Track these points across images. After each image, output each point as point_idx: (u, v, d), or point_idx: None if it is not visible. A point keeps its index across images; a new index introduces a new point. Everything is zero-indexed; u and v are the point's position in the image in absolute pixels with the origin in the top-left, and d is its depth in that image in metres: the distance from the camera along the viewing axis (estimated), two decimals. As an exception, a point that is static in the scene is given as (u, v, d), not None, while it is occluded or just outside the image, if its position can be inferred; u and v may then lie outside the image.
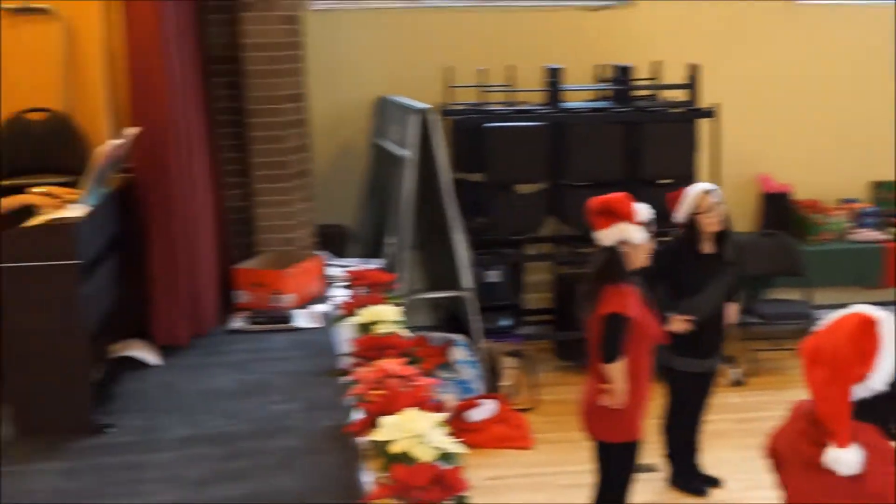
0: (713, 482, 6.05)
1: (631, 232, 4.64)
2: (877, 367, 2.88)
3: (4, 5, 6.18)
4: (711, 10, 8.67)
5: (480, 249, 7.64)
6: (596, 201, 4.76)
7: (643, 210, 4.72)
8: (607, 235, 4.68)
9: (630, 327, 4.62)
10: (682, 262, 5.69)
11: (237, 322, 6.01)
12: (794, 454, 3.06)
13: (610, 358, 4.61)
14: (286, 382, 5.10)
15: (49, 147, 6.13)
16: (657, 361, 5.84)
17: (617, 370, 4.61)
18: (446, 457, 3.58)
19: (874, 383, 2.89)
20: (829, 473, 2.93)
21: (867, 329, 2.90)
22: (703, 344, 5.71)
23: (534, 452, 6.52)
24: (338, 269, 6.90)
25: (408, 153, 6.89)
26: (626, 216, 4.66)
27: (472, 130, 7.54)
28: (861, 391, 2.90)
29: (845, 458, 2.86)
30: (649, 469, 6.00)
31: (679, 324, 5.55)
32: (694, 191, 5.71)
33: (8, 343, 4.42)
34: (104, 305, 4.98)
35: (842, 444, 2.86)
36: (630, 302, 4.65)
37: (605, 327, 4.62)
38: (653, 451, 6.13)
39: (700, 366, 5.78)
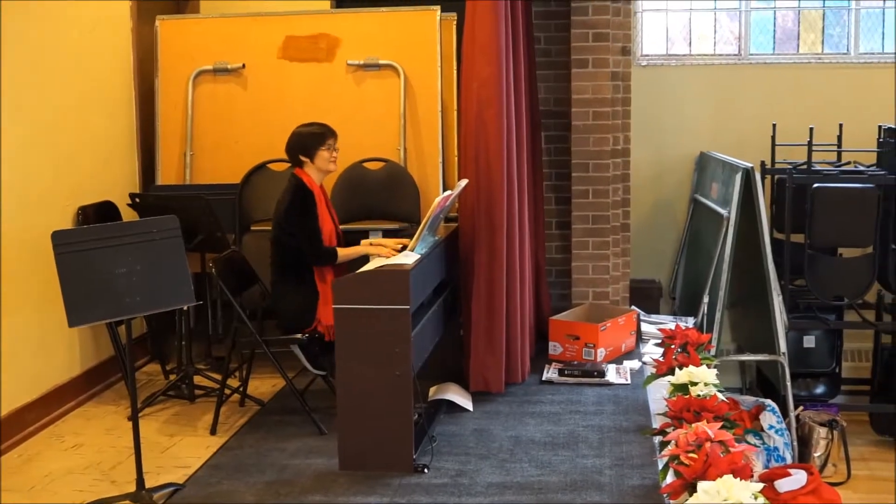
0: None
1: None
2: None
3: (350, 60, 6.65)
4: None
5: (798, 312, 7.43)
6: None
7: None
8: None
9: None
10: None
11: (550, 373, 6.14)
12: None
13: None
14: (597, 437, 5.16)
15: (384, 194, 6.51)
16: None
17: None
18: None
19: None
20: None
21: None
22: None
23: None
24: (651, 325, 6.92)
25: (729, 211, 6.81)
26: None
27: (796, 189, 7.36)
28: None
29: None
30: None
31: None
32: None
33: (341, 380, 4.73)
34: (427, 349, 5.23)
35: None
36: None
37: None
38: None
39: None
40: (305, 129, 5.50)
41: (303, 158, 5.44)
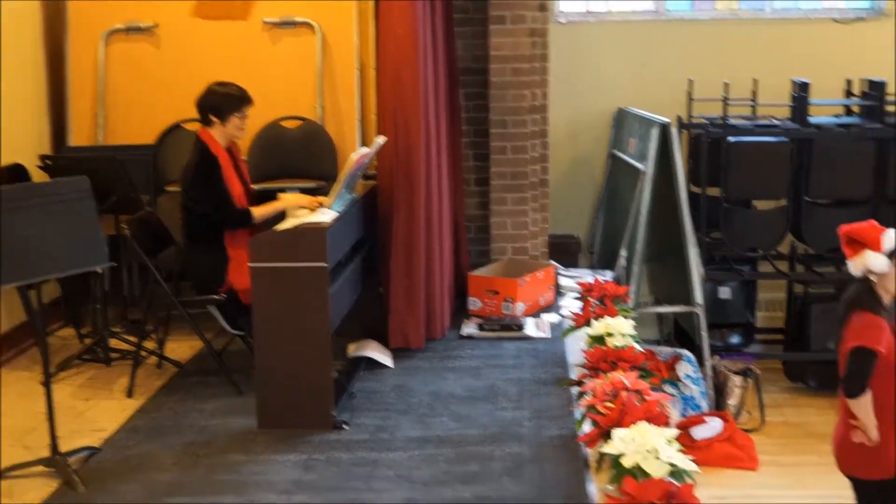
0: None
1: (872, 260, 4.48)
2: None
3: (266, 18, 6.57)
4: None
5: (713, 265, 7.55)
6: (843, 230, 4.63)
7: (891, 237, 4.55)
8: (854, 265, 4.54)
9: (877, 362, 4.44)
10: None
11: (469, 328, 6.17)
12: None
13: (853, 393, 4.46)
14: (515, 390, 5.21)
15: (301, 153, 6.47)
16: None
17: (862, 406, 4.46)
18: (677, 473, 3.61)
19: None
20: None
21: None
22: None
23: (759, 474, 6.38)
24: (569, 279, 6.98)
25: (646, 166, 6.88)
26: (870, 244, 4.51)
27: (712, 144, 7.45)
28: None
29: None
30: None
31: None
32: None
33: (259, 339, 4.71)
34: (345, 307, 5.22)
35: None
36: (876, 333, 4.47)
37: (851, 361, 4.47)
38: None
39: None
40: (223, 90, 5.38)
41: (213, 118, 5.33)
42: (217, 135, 5.34)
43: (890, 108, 7.57)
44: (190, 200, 5.31)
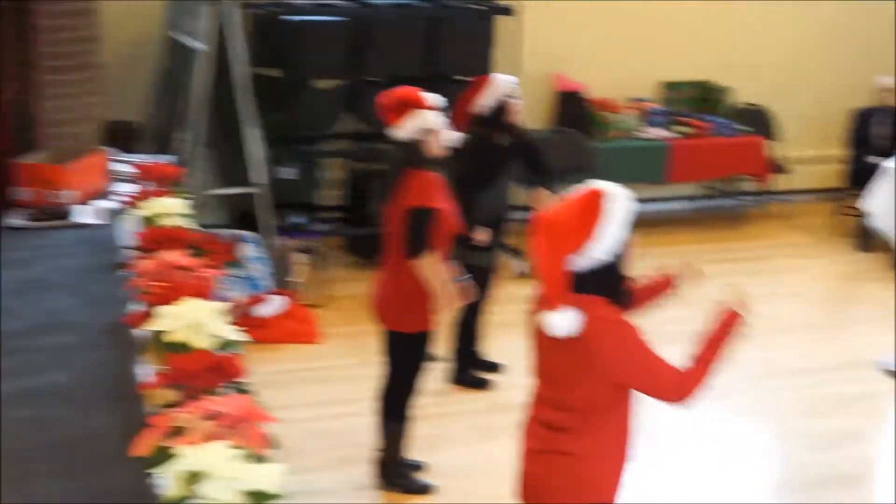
0: (493, 367, 6.26)
1: (428, 118, 4.66)
2: (598, 237, 3.02)
3: None
4: None
5: (275, 146, 7.59)
6: (388, 96, 4.77)
7: (435, 98, 4.76)
8: (405, 127, 4.67)
9: (436, 218, 4.62)
10: (480, 153, 5.77)
11: (16, 219, 5.83)
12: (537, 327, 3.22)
13: (416, 253, 4.61)
14: (67, 279, 4.99)
15: None
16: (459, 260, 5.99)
17: (425, 265, 4.64)
18: (226, 345, 3.60)
19: (595, 252, 3.03)
20: (567, 348, 3.08)
21: (593, 201, 3.04)
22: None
23: (323, 346, 6.60)
24: (125, 165, 6.75)
25: (202, 45, 6.73)
26: (420, 104, 4.69)
27: (270, 23, 7.41)
28: (584, 261, 3.04)
29: (557, 321, 3.01)
30: (437, 359, 6.20)
31: (483, 235, 5.71)
32: (502, 78, 5.82)
33: None
34: None
35: (555, 308, 3.01)
36: (434, 192, 4.66)
37: (411, 221, 4.60)
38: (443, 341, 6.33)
39: (482, 258, 5.92)
40: None
41: None
42: None
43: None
44: None
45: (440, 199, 4.67)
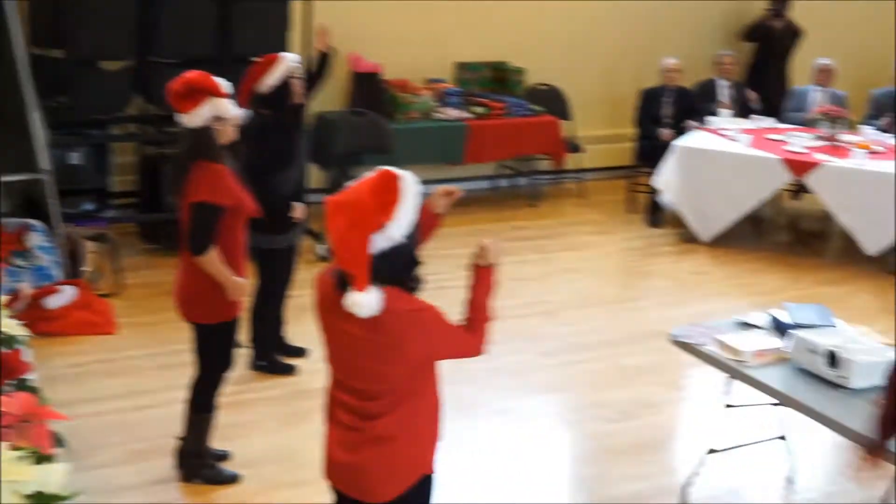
0: (299, 352, 6.18)
1: (222, 106, 4.52)
2: (396, 218, 3.02)
3: None
4: None
5: (62, 130, 7.25)
6: (178, 82, 4.59)
7: (225, 84, 4.62)
8: (197, 114, 4.52)
9: (222, 214, 4.51)
10: (267, 134, 5.66)
11: None
12: (328, 304, 3.17)
13: (198, 250, 4.49)
14: None
15: None
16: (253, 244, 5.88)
17: (209, 262, 4.51)
18: (7, 340, 3.43)
19: (393, 232, 3.03)
20: (367, 340, 3.07)
21: (389, 183, 3.05)
22: (284, 219, 5.74)
23: (117, 337, 6.36)
24: None
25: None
26: (214, 91, 4.54)
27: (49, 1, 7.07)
28: (381, 241, 3.02)
29: (362, 301, 3.00)
30: (242, 346, 6.11)
31: (300, 211, 5.66)
32: (287, 57, 5.71)
33: None
34: None
35: (360, 288, 2.99)
36: (222, 185, 4.52)
37: (196, 217, 4.48)
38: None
39: (282, 241, 5.83)
40: None
41: None
42: None
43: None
44: None
45: (228, 192, 4.53)
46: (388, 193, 3.01)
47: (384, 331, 3.04)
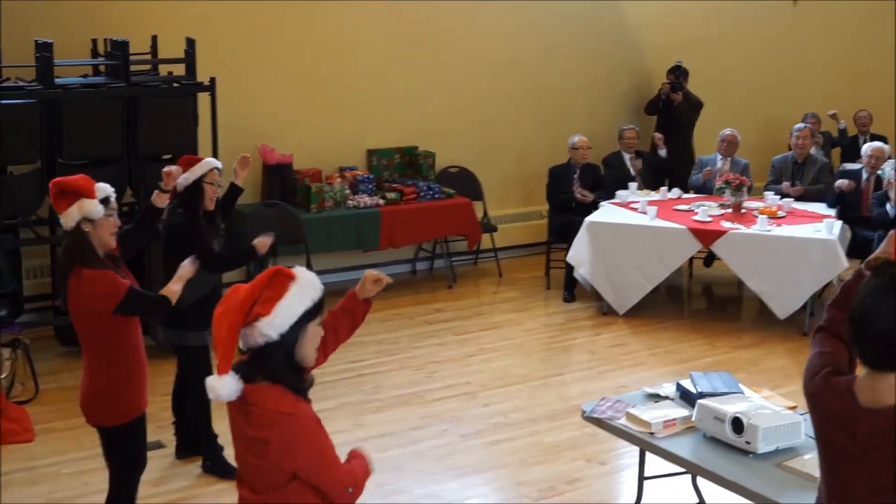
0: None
1: (90, 208, 4.52)
2: (273, 314, 3.05)
3: None
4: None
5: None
6: (52, 184, 4.63)
7: (103, 187, 4.64)
8: (69, 216, 4.54)
9: (112, 318, 4.54)
10: (186, 232, 5.66)
11: None
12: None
13: (158, 308, 4.89)
14: None
15: None
16: (167, 340, 5.87)
17: (174, 292, 4.86)
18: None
19: (265, 328, 3.06)
20: (241, 416, 3.10)
21: (276, 279, 3.10)
22: (201, 317, 5.71)
23: (36, 444, 6.27)
24: None
25: None
26: (85, 193, 4.54)
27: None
28: (256, 336, 3.06)
29: (216, 385, 3.05)
30: (158, 445, 6.06)
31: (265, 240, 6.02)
32: (206, 162, 5.74)
33: None
34: None
35: (219, 371, 3.04)
36: (115, 284, 4.52)
37: (127, 309, 4.58)
38: (161, 426, 6.18)
39: (198, 339, 5.82)
40: None
41: None
42: None
43: (134, 68, 7.74)
44: None
45: (113, 291, 4.53)
46: (270, 289, 3.07)
47: (252, 424, 3.06)
